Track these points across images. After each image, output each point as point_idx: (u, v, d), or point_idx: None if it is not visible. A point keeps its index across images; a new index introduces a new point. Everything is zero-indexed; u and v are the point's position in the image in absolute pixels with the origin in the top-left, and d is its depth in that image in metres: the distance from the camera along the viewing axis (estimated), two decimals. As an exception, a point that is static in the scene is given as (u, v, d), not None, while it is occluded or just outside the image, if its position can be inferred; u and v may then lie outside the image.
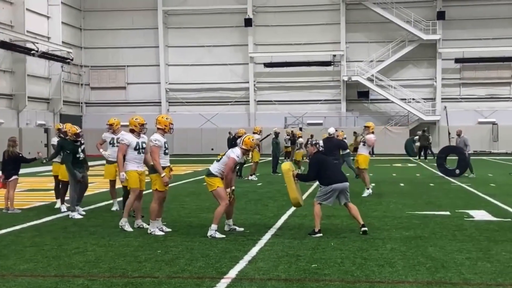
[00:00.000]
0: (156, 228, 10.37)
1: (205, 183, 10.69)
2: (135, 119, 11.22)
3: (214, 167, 10.30)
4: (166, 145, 10.61)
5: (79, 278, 7.39)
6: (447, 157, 24.29)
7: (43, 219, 12.36)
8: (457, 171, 23.11)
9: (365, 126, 17.79)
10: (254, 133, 24.29)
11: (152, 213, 10.43)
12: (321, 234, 10.11)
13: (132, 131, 11.12)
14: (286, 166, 10.78)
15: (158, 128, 10.60)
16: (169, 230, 10.69)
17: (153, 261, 8.26)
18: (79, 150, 12.61)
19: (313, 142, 10.86)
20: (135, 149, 10.96)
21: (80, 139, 12.87)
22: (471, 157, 24.23)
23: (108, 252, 8.90)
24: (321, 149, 10.71)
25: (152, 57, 49.72)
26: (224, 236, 10.02)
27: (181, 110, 50.03)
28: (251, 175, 23.07)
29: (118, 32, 49.63)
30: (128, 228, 10.73)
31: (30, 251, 9.01)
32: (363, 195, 16.04)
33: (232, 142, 35.39)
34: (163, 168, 10.35)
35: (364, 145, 17.30)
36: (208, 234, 10.00)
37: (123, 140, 10.98)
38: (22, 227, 11.44)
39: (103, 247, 9.28)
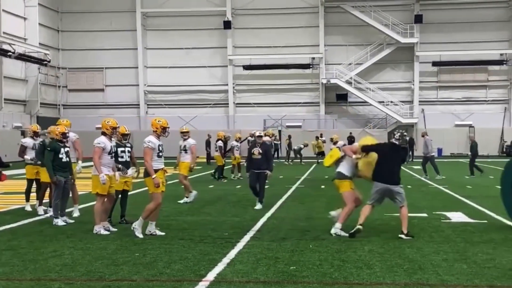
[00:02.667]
0: (140, 228, 10.28)
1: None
2: (107, 122, 11.16)
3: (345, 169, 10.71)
4: (160, 147, 10.52)
5: (55, 282, 7.31)
6: None
7: (19, 222, 12.21)
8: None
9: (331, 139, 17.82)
10: (219, 139, 24.50)
11: (145, 212, 10.33)
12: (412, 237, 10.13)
13: (104, 134, 11.05)
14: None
15: (153, 131, 10.58)
16: (163, 233, 10.62)
17: (130, 264, 8.20)
18: (63, 151, 12.17)
19: (402, 133, 11.16)
20: (108, 153, 10.95)
21: (66, 140, 12.50)
22: (436, 159, 24.99)
23: (85, 256, 8.82)
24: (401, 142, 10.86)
25: (131, 59, 49.45)
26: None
27: (160, 112, 49.66)
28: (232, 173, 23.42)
29: (96, 34, 49.30)
30: (104, 231, 10.69)
31: (6, 255, 8.89)
32: None
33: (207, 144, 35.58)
34: (157, 170, 10.27)
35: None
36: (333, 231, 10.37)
37: (99, 144, 10.86)
38: (-2, 230, 11.31)
39: (80, 250, 9.20)
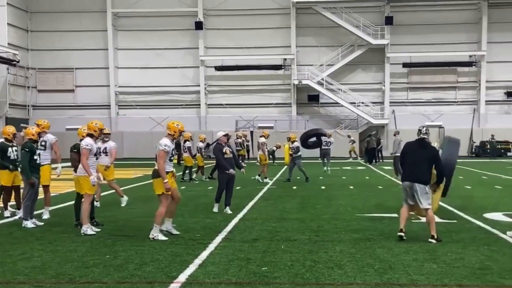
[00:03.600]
0: (160, 233, 10.15)
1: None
2: (95, 124, 11.07)
3: None
4: (173, 151, 10.47)
5: (24, 285, 7.22)
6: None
7: (-13, 225, 12.03)
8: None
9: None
10: (200, 141, 24.38)
11: (158, 218, 10.19)
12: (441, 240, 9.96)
13: (91, 135, 10.96)
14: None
15: (168, 134, 10.45)
16: (178, 233, 10.59)
17: (101, 267, 8.13)
18: (37, 152, 11.97)
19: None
20: (94, 154, 10.92)
21: (39, 141, 12.35)
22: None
23: (55, 258, 8.72)
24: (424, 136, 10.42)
25: (101, 60, 49.02)
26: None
27: (131, 113, 49.50)
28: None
29: (66, 34, 48.75)
30: (91, 232, 10.62)
31: (-27, 258, 8.75)
32: None
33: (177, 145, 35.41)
34: (167, 173, 10.19)
35: None
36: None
37: (87, 146, 10.77)
38: (-35, 233, 11.12)
39: (49, 253, 9.09)
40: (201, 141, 24.63)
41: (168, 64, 48.50)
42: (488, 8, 46.81)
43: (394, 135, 25.55)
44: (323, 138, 28.74)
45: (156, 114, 48.70)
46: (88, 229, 10.65)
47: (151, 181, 10.50)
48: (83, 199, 11.00)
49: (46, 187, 12.94)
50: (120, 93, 49.46)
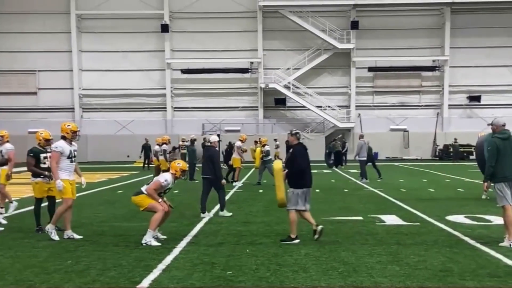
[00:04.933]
0: (152, 238, 10.02)
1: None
2: (67, 125, 10.80)
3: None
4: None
5: (-18, 292, 7.07)
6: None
7: None
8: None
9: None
10: (163, 143, 24.18)
11: (153, 223, 10.03)
12: (298, 240, 10.13)
13: (64, 138, 10.68)
14: (279, 165, 10.61)
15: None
16: (164, 237, 10.49)
17: (62, 272, 7.99)
18: None
19: (293, 132, 10.71)
20: (68, 157, 10.58)
21: None
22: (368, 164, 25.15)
23: (14, 264, 8.54)
24: (301, 139, 10.52)
25: (65, 62, 48.38)
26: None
27: (96, 116, 48.96)
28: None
29: (28, 35, 47.95)
30: (55, 237, 10.39)
31: None
32: None
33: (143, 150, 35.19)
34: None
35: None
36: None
37: (57, 148, 10.50)
38: None
39: (9, 259, 8.91)
40: (158, 144, 24.57)
41: (134, 66, 48.12)
42: (451, 14, 47.60)
43: (359, 138, 25.82)
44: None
45: (121, 117, 48.28)
46: (53, 231, 10.43)
47: (133, 200, 10.36)
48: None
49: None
50: (84, 95, 48.87)
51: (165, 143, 24.09)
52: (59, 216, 10.53)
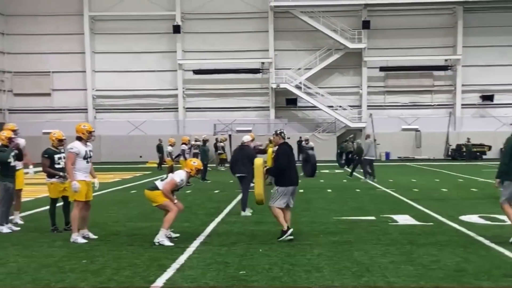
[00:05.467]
0: (165, 238, 10.06)
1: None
2: (83, 126, 10.75)
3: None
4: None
5: (0, 291, 7.16)
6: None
7: (-39, 231, 11.87)
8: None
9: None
10: (183, 143, 24.19)
11: (166, 223, 10.09)
12: (292, 229, 10.23)
13: (79, 138, 10.63)
14: (259, 161, 10.74)
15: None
16: (177, 235, 10.56)
17: (78, 272, 8.07)
18: (11, 155, 11.68)
19: (278, 132, 10.79)
20: (84, 158, 10.55)
21: (12, 144, 11.96)
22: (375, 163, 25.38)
23: (31, 263, 8.63)
24: (286, 138, 10.67)
25: (79, 63, 48.65)
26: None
27: (109, 117, 49.19)
28: None
29: (42, 37, 48.31)
30: (81, 240, 10.35)
31: None
32: None
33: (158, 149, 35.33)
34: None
35: None
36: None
37: (72, 149, 10.42)
38: None
39: (25, 258, 9.00)
40: (171, 144, 24.71)
41: (146, 67, 48.28)
42: (464, 13, 47.37)
43: (366, 138, 25.95)
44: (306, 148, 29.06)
45: (134, 118, 48.48)
46: (78, 237, 10.38)
47: (147, 194, 10.35)
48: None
49: (19, 192, 12.74)
50: (97, 96, 49.12)
51: (184, 144, 24.09)
52: (75, 220, 10.49)
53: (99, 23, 48.94)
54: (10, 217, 12.51)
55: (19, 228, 11.92)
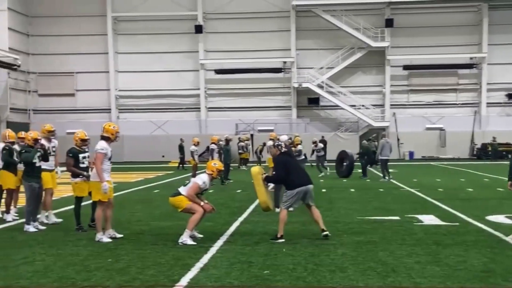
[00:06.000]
0: (189, 238, 10.08)
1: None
2: (113, 126, 10.71)
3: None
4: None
5: (26, 289, 7.22)
6: (343, 161, 26.80)
7: (-12, 229, 12.03)
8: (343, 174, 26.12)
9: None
10: (212, 143, 24.18)
11: (191, 224, 10.10)
12: (283, 240, 10.16)
13: (106, 138, 10.57)
14: (256, 169, 10.80)
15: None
16: (201, 236, 10.57)
17: (103, 270, 8.12)
18: (36, 156, 11.76)
19: (275, 144, 10.90)
20: (109, 158, 10.57)
21: (38, 145, 12.04)
22: (389, 162, 25.25)
23: (57, 262, 8.70)
24: (283, 150, 10.74)
25: (102, 64, 49.05)
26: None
27: (131, 117, 49.50)
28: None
29: (66, 38, 48.77)
30: (107, 239, 10.38)
31: (-25, 263, 8.74)
32: None
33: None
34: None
35: None
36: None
37: (102, 149, 10.37)
38: (-33, 237, 11.11)
39: (51, 257, 9.08)
40: (194, 144, 24.74)
41: (168, 67, 48.50)
42: (489, 10, 46.84)
43: (381, 138, 25.88)
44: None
45: (156, 117, 48.74)
46: (103, 237, 10.42)
47: (171, 201, 10.39)
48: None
49: (50, 191, 12.80)
50: (120, 96, 49.47)
51: (214, 143, 24.05)
52: (99, 220, 10.54)
53: (121, 24, 49.28)
54: (45, 214, 12.61)
55: (45, 227, 12.01)
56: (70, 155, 11.50)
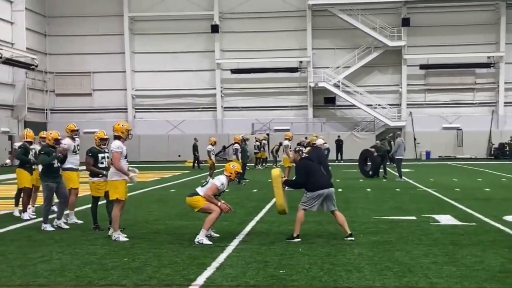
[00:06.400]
0: (205, 237, 10.09)
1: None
2: (122, 125, 10.78)
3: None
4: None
5: (44, 287, 7.27)
6: (367, 160, 26.73)
7: (7, 228, 12.12)
8: (370, 172, 25.97)
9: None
10: (235, 142, 24.15)
11: (207, 223, 10.12)
12: (299, 239, 10.15)
13: (119, 137, 10.64)
14: (276, 172, 10.78)
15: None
16: (217, 235, 10.62)
17: (120, 269, 8.16)
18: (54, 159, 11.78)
19: (296, 149, 10.91)
20: (125, 157, 10.64)
21: (59, 149, 12.06)
22: (403, 162, 25.29)
23: (74, 260, 8.76)
24: (304, 155, 10.74)
25: (118, 63, 49.31)
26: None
27: (148, 116, 49.73)
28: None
29: (83, 38, 49.12)
30: (123, 238, 10.43)
31: (-6, 261, 8.83)
32: None
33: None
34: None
35: None
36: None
37: (118, 148, 10.46)
38: (-15, 236, 11.23)
39: (68, 255, 9.14)
40: (211, 144, 24.73)
41: (184, 67, 48.64)
42: (507, 9, 46.39)
43: (396, 137, 25.87)
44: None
45: (173, 117, 48.91)
46: (120, 235, 10.48)
47: (188, 201, 10.38)
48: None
49: (75, 191, 12.87)
50: (137, 96, 49.70)
51: (237, 143, 24.00)
52: (117, 219, 10.57)
53: (138, 24, 49.50)
54: (66, 212, 12.64)
55: (68, 227, 12.00)
56: (90, 154, 11.57)
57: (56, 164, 11.87)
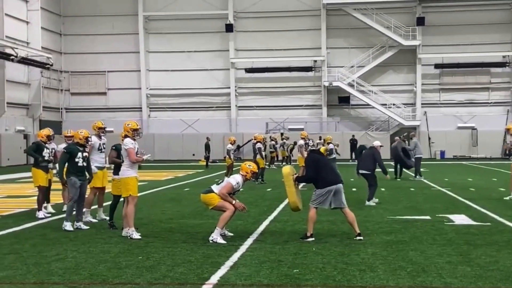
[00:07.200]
0: (219, 236, 10.12)
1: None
2: (128, 124, 10.96)
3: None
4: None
5: (59, 285, 7.32)
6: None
7: (22, 226, 12.22)
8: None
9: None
10: (257, 142, 24.04)
11: (221, 222, 10.15)
12: (313, 239, 10.14)
13: (127, 136, 10.81)
14: (287, 169, 10.80)
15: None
16: (232, 234, 10.66)
17: (134, 268, 8.20)
18: (80, 155, 11.80)
19: (305, 143, 10.97)
20: (136, 153, 10.75)
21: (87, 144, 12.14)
22: (422, 161, 25.36)
23: (88, 259, 8.82)
24: (312, 148, 10.77)
25: (133, 63, 49.52)
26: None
27: (162, 115, 49.89)
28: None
29: (98, 37, 49.41)
30: (136, 236, 10.49)
31: (9, 258, 8.90)
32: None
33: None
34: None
35: None
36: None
37: (131, 144, 10.65)
38: (1, 234, 11.32)
39: (83, 254, 9.20)
40: (231, 143, 24.63)
41: (199, 66, 48.77)
42: (522, 8, 46.11)
43: (411, 138, 25.91)
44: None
45: (187, 116, 49.02)
46: (134, 232, 10.54)
47: (203, 198, 10.39)
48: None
49: (102, 190, 12.99)
50: (151, 95, 49.89)
51: (259, 142, 23.86)
52: (131, 216, 10.62)
53: (152, 23, 49.68)
54: (88, 211, 12.69)
55: (88, 227, 11.86)
56: (113, 148, 11.76)
57: (81, 163, 11.83)
